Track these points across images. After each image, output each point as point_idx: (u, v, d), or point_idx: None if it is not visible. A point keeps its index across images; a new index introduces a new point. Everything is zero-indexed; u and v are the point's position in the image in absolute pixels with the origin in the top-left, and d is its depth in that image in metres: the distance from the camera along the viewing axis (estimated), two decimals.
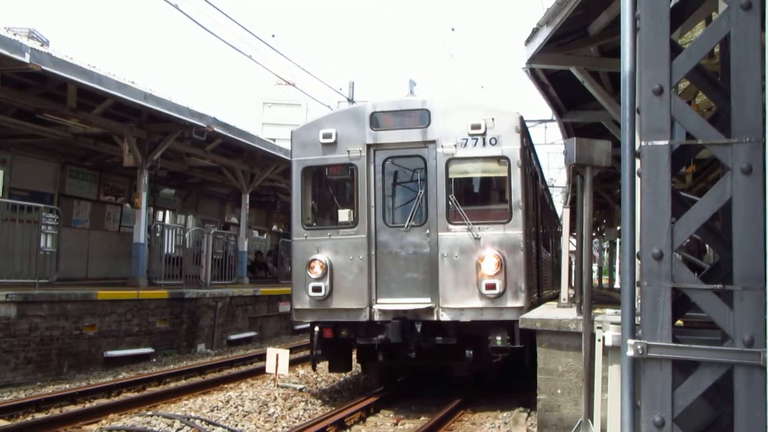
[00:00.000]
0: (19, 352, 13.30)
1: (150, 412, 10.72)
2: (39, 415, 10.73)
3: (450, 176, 11.28)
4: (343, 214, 11.69)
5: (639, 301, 4.45)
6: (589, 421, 7.24)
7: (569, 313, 9.32)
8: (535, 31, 10.92)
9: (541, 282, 14.17)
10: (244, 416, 10.59)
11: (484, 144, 11.09)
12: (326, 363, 12.89)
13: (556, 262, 19.91)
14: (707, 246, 15.76)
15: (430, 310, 10.98)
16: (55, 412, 11.08)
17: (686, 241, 5.22)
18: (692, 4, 4.90)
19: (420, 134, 11.42)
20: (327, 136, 11.68)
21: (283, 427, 9.98)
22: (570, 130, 16.67)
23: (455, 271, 10.99)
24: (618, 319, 5.42)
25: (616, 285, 34.42)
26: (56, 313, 14.16)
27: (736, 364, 4.20)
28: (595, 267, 41.35)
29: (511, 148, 11.05)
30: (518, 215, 10.97)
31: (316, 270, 11.43)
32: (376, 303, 11.28)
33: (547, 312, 10.03)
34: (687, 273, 4.37)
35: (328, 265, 11.42)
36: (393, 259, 11.39)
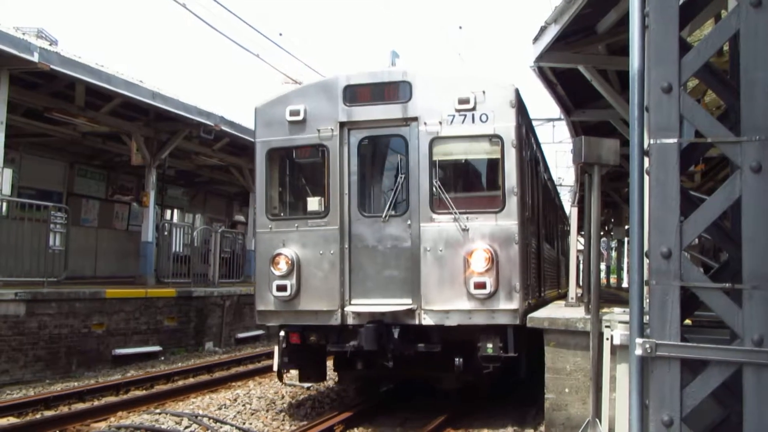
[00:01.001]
0: (28, 350, 13.35)
1: (158, 410, 10.74)
2: (48, 413, 10.76)
3: (434, 158, 9.82)
4: (313, 203, 10.25)
5: (647, 299, 4.44)
6: (597, 420, 7.22)
7: (577, 312, 9.30)
8: (542, 29, 10.91)
9: (542, 281, 12.89)
10: (252, 414, 10.61)
11: (473, 121, 9.64)
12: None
13: (563, 260, 19.38)
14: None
15: (410, 313, 9.60)
16: (64, 409, 11.11)
17: (695, 239, 5.20)
18: (701, 1, 4.89)
19: (400, 110, 9.95)
20: (294, 113, 10.23)
21: (291, 425, 10.00)
22: (578, 129, 16.65)
23: (440, 268, 9.59)
24: (626, 318, 5.40)
25: (624, 284, 34.37)
26: (65, 312, 14.21)
27: (745, 363, 4.18)
28: (603, 266, 41.27)
29: (505, 125, 9.56)
30: (513, 203, 9.51)
31: (281, 266, 10.03)
32: (350, 304, 9.88)
33: (554, 311, 10.01)
34: (696, 272, 4.36)
35: (295, 261, 10.03)
36: (369, 254, 9.99)
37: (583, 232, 14.43)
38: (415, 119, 9.86)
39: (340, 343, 9.81)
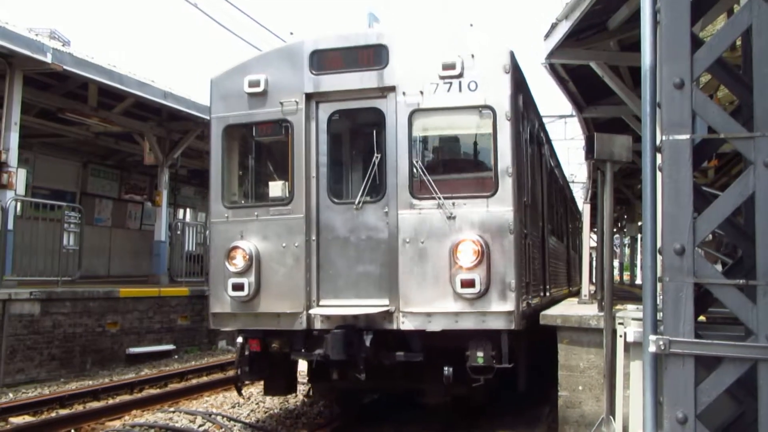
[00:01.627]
0: (43, 349, 13.44)
1: (172, 409, 10.80)
2: (63, 411, 10.84)
3: (415, 134, 8.55)
4: (275, 188, 8.98)
5: (661, 296, 4.42)
6: (611, 417, 7.21)
7: (590, 309, 9.27)
8: (554, 26, 10.88)
9: (547, 278, 11.67)
10: (265, 413, 10.64)
11: (460, 90, 8.33)
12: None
13: (575, 256, 18.70)
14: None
15: (388, 316, 8.32)
16: (79, 408, 11.19)
17: (710, 235, 5.18)
18: None
19: (375, 78, 8.61)
20: (254, 84, 8.93)
21: (303, 424, 10.02)
22: (590, 126, 16.62)
23: (421, 263, 8.31)
24: (640, 315, 5.39)
25: (638, 281, 34.24)
26: (79, 311, 14.30)
27: (760, 359, 4.16)
28: (616, 263, 41.13)
29: (497, 94, 8.27)
30: (507, 186, 8.22)
31: (237, 261, 8.76)
32: (318, 305, 8.62)
33: (567, 308, 9.98)
34: (709, 268, 4.34)
35: (254, 255, 8.74)
36: (340, 247, 8.71)
37: (595, 229, 14.39)
38: (393, 89, 8.55)
39: (306, 351, 8.62)
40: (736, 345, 4.29)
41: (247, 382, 10.80)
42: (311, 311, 8.53)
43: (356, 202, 8.69)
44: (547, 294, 11.54)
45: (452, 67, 8.34)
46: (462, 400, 9.17)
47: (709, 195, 4.69)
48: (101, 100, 17.70)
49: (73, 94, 17.44)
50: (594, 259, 13.74)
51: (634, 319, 6.40)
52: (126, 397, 12.10)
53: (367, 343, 8.16)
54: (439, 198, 8.28)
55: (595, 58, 11.87)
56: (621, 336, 6.84)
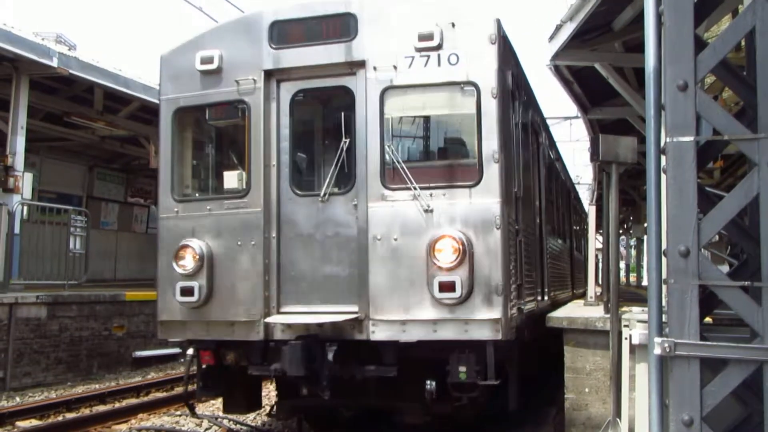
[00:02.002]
0: (50, 353, 13.48)
1: (178, 412, 10.83)
2: (69, 415, 10.87)
3: (387, 114, 7.56)
4: (231, 178, 8.03)
5: (666, 298, 4.42)
6: (618, 419, 7.19)
7: (596, 311, 9.25)
8: (558, 28, 10.89)
9: (546, 280, 10.66)
10: (272, 416, 10.64)
11: (438, 63, 7.34)
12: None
13: (578, 258, 18.06)
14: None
15: (356, 324, 7.36)
16: (85, 411, 11.22)
17: (715, 237, 5.17)
18: None
19: (343, 52, 7.61)
20: (206, 60, 7.94)
21: (307, 428, 10.02)
22: (595, 127, 16.60)
23: (394, 263, 7.31)
24: (645, 317, 5.37)
25: (644, 282, 34.17)
26: (85, 314, 14.34)
27: (766, 362, 4.15)
28: (622, 264, 41.06)
29: (482, 68, 7.28)
30: (493, 174, 7.21)
31: (187, 262, 7.79)
32: (278, 312, 7.67)
33: (573, 310, 9.95)
34: (714, 270, 4.33)
35: (205, 255, 7.77)
36: (304, 245, 7.71)
37: (601, 231, 14.37)
38: (362, 64, 7.54)
39: (264, 365, 7.60)
40: (741, 347, 4.28)
41: (203, 399, 10.17)
42: (269, 319, 7.57)
43: (322, 193, 7.67)
44: (545, 298, 10.52)
45: (430, 37, 7.35)
46: (446, 419, 8.02)
47: (714, 196, 4.68)
48: (107, 103, 17.78)
49: (79, 98, 17.51)
50: (600, 260, 13.72)
51: (639, 321, 6.38)
52: (133, 401, 12.12)
53: (330, 357, 7.20)
54: (415, 188, 7.30)
55: (600, 60, 11.86)
56: (626, 338, 6.83)
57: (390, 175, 7.47)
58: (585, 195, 30.79)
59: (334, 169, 7.67)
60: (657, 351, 4.34)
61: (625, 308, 8.14)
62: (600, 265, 13.17)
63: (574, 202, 18.97)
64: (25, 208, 15.65)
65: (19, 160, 14.36)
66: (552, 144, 13.78)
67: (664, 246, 4.42)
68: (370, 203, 7.44)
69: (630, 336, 6.64)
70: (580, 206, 21.60)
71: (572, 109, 22.70)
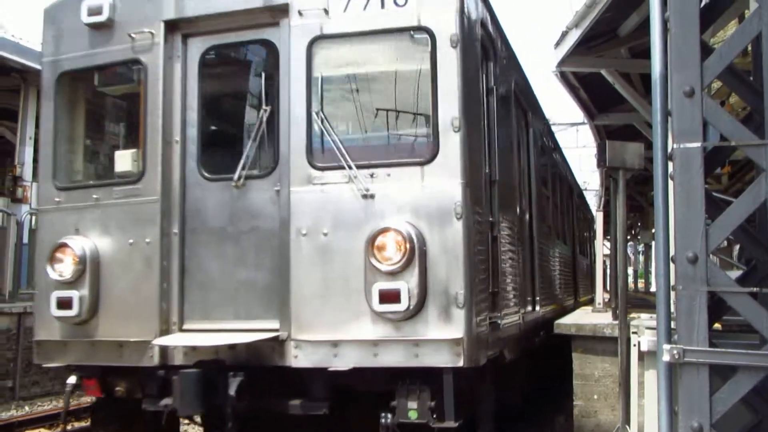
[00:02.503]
0: None
1: None
2: (78, 425, 10.88)
3: (316, 72, 5.96)
4: (123, 159, 6.45)
5: (675, 305, 4.40)
6: (627, 426, 7.16)
7: (604, 318, 9.23)
8: (564, 34, 10.91)
9: (537, 288, 9.09)
10: None
11: (382, 5, 5.81)
12: None
13: (582, 262, 17.11)
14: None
15: (277, 346, 5.74)
16: None
17: (724, 242, 5.16)
18: (722, 4, 4.86)
19: None
20: (95, 10, 6.40)
21: None
22: (602, 133, 16.60)
23: (324, 265, 5.71)
24: (654, 323, 5.36)
25: (652, 288, 34.08)
26: None
27: None
28: (630, 270, 40.99)
29: (438, 10, 5.73)
30: (453, 148, 5.59)
31: (64, 267, 6.21)
32: (180, 330, 6.10)
33: (582, 317, 9.93)
34: (723, 276, 4.31)
35: (88, 257, 6.20)
36: (215, 243, 6.11)
37: (609, 237, 14.36)
38: (285, 10, 6.02)
39: (159, 398, 6.00)
40: (750, 353, 4.26)
41: None
42: (164, 340, 5.93)
43: (236, 176, 6.07)
44: (537, 308, 9.00)
45: None
46: None
47: (722, 202, 4.67)
48: None
49: None
50: (608, 266, 13.66)
51: (648, 327, 6.37)
52: None
53: (232, 391, 5.57)
54: (351, 167, 5.72)
55: (606, 66, 11.87)
56: (635, 345, 6.81)
57: (319, 152, 5.91)
58: (592, 201, 30.78)
59: (252, 144, 6.12)
60: (666, 358, 4.32)
61: (633, 315, 8.13)
62: (608, 271, 13.15)
63: (577, 201, 17.64)
64: (34, 218, 15.71)
65: (27, 171, 14.46)
66: (548, 132, 12.23)
67: (672, 252, 4.41)
68: (293, 187, 5.86)
69: (639, 343, 6.63)
70: (585, 206, 20.76)
71: (579, 115, 22.74)
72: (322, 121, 5.89)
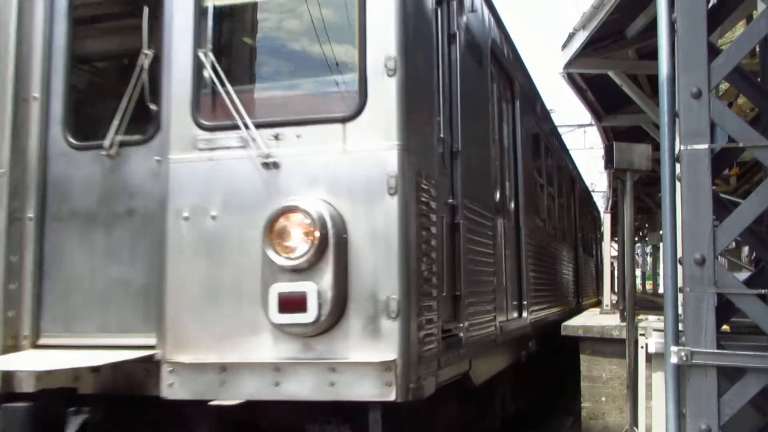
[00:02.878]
0: None
1: None
2: None
3: (206, 2, 4.58)
4: None
5: (682, 307, 4.40)
6: (635, 428, 7.16)
7: (612, 320, 9.22)
8: (571, 36, 10.93)
9: (525, 290, 7.68)
10: None
11: None
12: None
13: (586, 262, 16.14)
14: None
15: (153, 369, 4.31)
16: None
17: (732, 244, 5.15)
18: (730, 5, 4.85)
19: None
20: None
21: None
22: (609, 134, 16.61)
23: (210, 259, 4.31)
24: (661, 325, 5.36)
25: (660, 290, 34.09)
26: None
27: None
28: (638, 272, 40.90)
29: None
30: (386, 98, 4.15)
31: None
32: (34, 345, 4.69)
33: (589, 318, 9.93)
34: (730, 278, 4.30)
35: None
36: (81, 231, 4.71)
37: (617, 238, 14.34)
38: None
39: None
40: (759, 355, 4.25)
41: None
42: (3, 361, 4.46)
43: (107, 143, 4.63)
44: (524, 314, 7.67)
45: None
46: None
47: (730, 204, 4.66)
48: None
49: None
50: (615, 268, 13.63)
51: (655, 329, 6.36)
52: None
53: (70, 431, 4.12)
54: (248, 126, 4.30)
55: (614, 67, 11.88)
56: (642, 347, 6.81)
57: (208, 107, 4.51)
58: (600, 203, 30.77)
59: (127, 101, 4.61)
60: (674, 360, 4.31)
61: (641, 316, 8.13)
62: (615, 273, 13.13)
63: (581, 194, 15.94)
64: None
65: None
66: (543, 112, 10.68)
67: (679, 254, 4.40)
68: (172, 155, 4.45)
69: (646, 345, 6.63)
70: (590, 202, 19.92)
71: (586, 116, 22.70)
72: (212, 67, 4.41)
